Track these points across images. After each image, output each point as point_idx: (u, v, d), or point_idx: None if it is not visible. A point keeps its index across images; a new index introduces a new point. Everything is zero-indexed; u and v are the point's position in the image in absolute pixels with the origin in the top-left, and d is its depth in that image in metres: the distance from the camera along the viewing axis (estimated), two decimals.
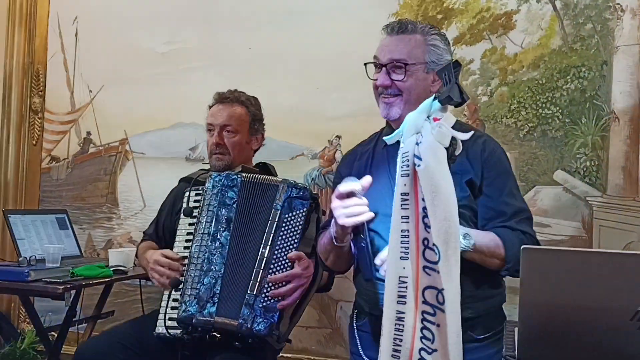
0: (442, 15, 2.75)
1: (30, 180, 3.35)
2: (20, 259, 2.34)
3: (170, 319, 1.95)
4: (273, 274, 1.91)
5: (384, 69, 1.67)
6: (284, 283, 1.90)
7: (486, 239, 1.52)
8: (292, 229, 1.96)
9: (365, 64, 1.74)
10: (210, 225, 1.98)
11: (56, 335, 2.53)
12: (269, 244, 1.94)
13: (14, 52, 3.30)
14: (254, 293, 1.89)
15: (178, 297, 1.96)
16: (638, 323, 0.87)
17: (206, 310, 1.89)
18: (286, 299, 1.88)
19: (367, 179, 1.43)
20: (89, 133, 3.28)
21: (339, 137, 2.85)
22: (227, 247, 1.95)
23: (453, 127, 1.54)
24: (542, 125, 2.55)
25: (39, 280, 2.19)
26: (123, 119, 3.22)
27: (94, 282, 2.32)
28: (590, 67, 2.51)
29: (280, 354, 2.80)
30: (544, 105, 2.56)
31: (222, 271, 1.93)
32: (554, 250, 0.91)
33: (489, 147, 1.66)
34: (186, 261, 1.99)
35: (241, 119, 2.28)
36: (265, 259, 1.92)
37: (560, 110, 2.53)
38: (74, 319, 2.47)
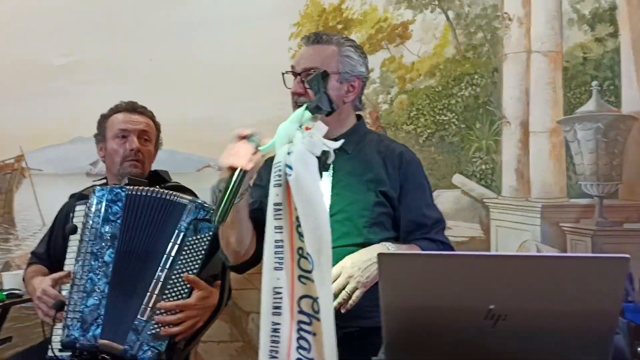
0: (342, 25, 2.79)
1: None
2: None
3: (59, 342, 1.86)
4: (167, 299, 1.83)
5: (298, 77, 1.70)
6: (175, 312, 1.84)
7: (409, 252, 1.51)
8: (195, 253, 1.87)
9: (283, 74, 1.75)
10: (94, 243, 1.89)
11: None
12: (167, 267, 1.84)
13: None
14: (144, 319, 1.81)
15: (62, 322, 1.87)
16: (491, 321, 0.90)
17: (90, 334, 1.80)
18: (172, 328, 1.82)
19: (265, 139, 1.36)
20: None
21: None
22: (111, 265, 1.86)
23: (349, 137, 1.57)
24: (440, 131, 2.64)
25: None
26: (19, 135, 3.07)
27: None
28: (482, 74, 2.61)
29: None
30: (440, 111, 2.64)
31: (107, 291, 1.84)
32: (408, 254, 0.94)
33: (406, 159, 1.70)
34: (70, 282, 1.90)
35: (152, 130, 2.26)
36: (160, 283, 1.85)
37: (456, 117, 2.63)
38: None
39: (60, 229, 2.19)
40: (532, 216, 2.54)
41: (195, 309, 1.84)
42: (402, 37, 2.72)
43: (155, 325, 1.80)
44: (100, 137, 2.24)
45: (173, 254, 1.86)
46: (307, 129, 1.17)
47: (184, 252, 1.86)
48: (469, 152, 2.60)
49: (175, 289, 1.84)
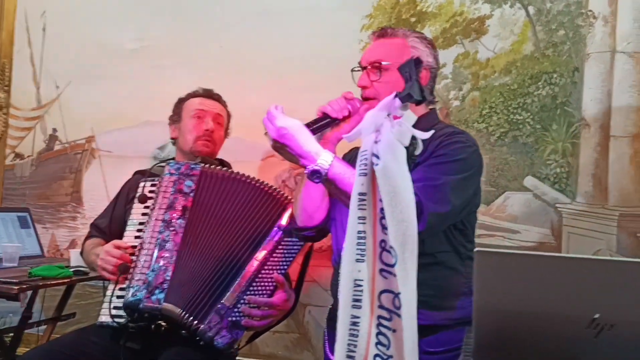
0: (416, 18, 2.72)
1: None
2: None
3: (115, 307, 1.87)
4: (253, 292, 1.86)
5: (364, 71, 1.71)
6: (260, 307, 1.86)
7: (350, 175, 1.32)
8: (287, 255, 1.91)
9: (352, 70, 1.77)
10: (165, 212, 1.93)
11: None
12: (260, 259, 1.88)
13: None
14: (228, 304, 1.83)
15: (125, 285, 1.89)
16: (594, 331, 0.84)
17: (154, 296, 1.82)
18: (254, 320, 1.83)
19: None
20: (54, 130, 3.20)
21: None
22: (181, 234, 1.90)
23: (417, 126, 1.50)
24: (513, 130, 2.54)
25: None
26: (90, 116, 3.14)
27: (52, 282, 2.24)
28: (562, 73, 2.50)
29: (247, 359, 2.76)
30: (515, 110, 2.55)
31: (174, 259, 1.87)
32: (510, 254, 0.88)
33: (447, 133, 1.57)
34: (137, 247, 1.93)
35: (225, 117, 2.36)
36: (251, 274, 1.87)
37: (531, 116, 2.52)
38: (29, 321, 2.38)
39: (123, 201, 2.23)
40: (608, 224, 2.41)
41: (277, 309, 1.87)
42: (478, 32, 2.63)
43: (238, 314, 1.81)
44: (176, 117, 2.31)
45: (269, 249, 1.89)
46: (395, 117, 1.12)
47: (277, 251, 1.89)
48: (544, 154, 2.49)
49: (262, 285, 1.87)
